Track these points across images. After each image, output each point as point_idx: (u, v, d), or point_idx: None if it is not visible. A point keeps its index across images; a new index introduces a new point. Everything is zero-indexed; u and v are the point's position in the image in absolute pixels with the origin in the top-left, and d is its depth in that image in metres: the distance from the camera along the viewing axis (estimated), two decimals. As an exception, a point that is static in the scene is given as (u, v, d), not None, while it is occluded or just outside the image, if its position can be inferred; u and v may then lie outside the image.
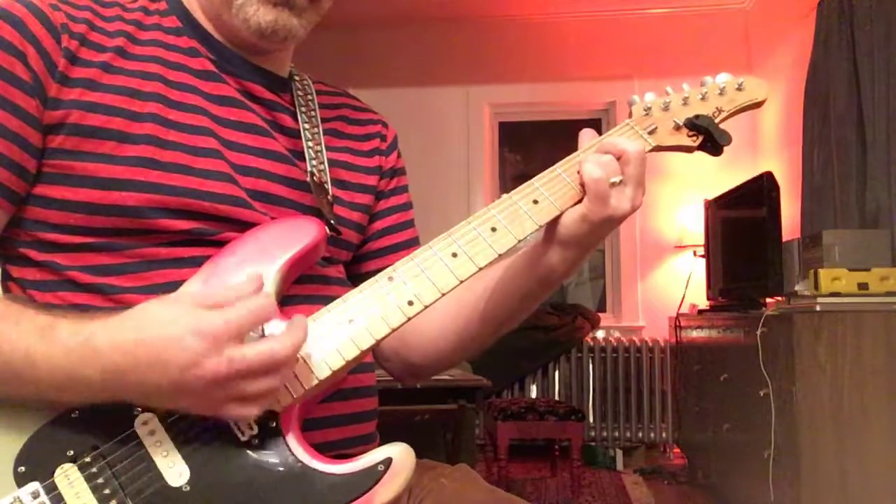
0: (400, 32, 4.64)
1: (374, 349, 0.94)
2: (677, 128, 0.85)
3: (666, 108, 0.85)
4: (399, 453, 0.68)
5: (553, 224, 0.78)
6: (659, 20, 4.48)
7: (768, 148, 4.08)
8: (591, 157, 0.77)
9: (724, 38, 4.36)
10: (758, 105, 0.89)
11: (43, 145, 0.73)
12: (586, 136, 0.82)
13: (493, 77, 4.62)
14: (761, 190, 2.85)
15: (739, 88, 0.88)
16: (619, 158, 0.76)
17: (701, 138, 0.85)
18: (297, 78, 0.94)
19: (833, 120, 3.01)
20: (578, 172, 0.77)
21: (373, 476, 0.66)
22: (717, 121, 0.85)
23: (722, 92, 0.87)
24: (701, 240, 3.83)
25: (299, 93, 0.92)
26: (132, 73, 0.77)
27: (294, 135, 0.88)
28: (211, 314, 0.61)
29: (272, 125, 0.85)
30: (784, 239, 2.79)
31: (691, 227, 4.10)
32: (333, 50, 4.41)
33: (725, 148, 0.85)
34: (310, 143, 0.88)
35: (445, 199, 4.44)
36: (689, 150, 0.86)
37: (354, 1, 4.06)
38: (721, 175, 3.94)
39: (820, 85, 3.14)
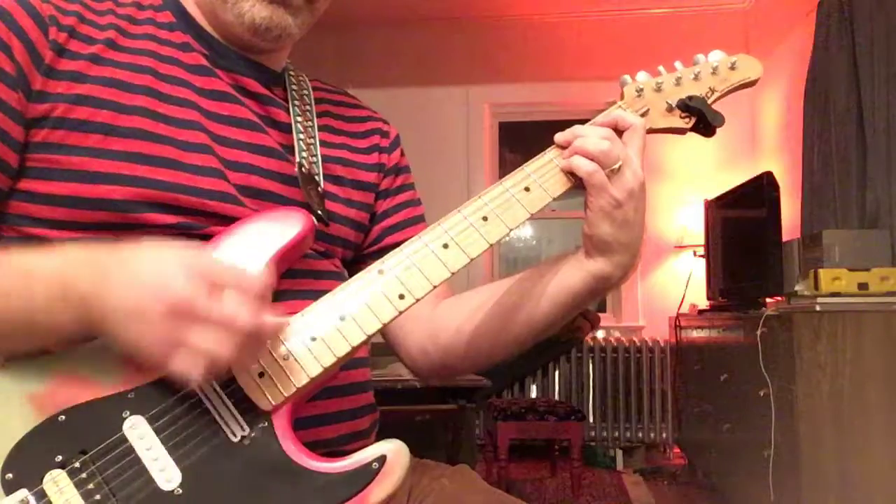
0: (400, 32, 4.63)
1: (398, 349, 0.95)
2: (670, 109, 0.83)
3: (658, 89, 0.84)
4: (393, 450, 0.67)
5: (590, 238, 0.78)
6: (659, 20, 4.48)
7: (768, 148, 4.07)
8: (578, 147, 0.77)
9: (724, 38, 4.35)
10: (751, 84, 0.88)
11: (26, 139, 0.72)
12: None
13: (493, 77, 4.61)
14: (761, 190, 2.85)
15: (732, 67, 0.86)
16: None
17: (694, 120, 0.84)
18: (292, 73, 0.93)
19: (833, 120, 3.01)
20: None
21: (367, 474, 0.65)
22: (710, 101, 0.84)
23: (715, 71, 0.86)
24: (701, 240, 3.82)
25: (294, 87, 0.91)
26: (122, 65, 0.76)
27: (287, 129, 0.87)
28: (205, 258, 0.64)
29: (265, 120, 0.85)
30: (784, 239, 2.78)
31: (691, 227, 4.09)
32: (333, 50, 4.40)
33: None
34: (301, 136, 0.87)
35: (445, 200, 4.38)
36: (681, 132, 0.85)
37: (354, 1, 4.05)
38: (721, 175, 3.93)
39: (820, 85, 3.13)
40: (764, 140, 4.14)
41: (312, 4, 0.84)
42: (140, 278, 0.62)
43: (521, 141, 4.92)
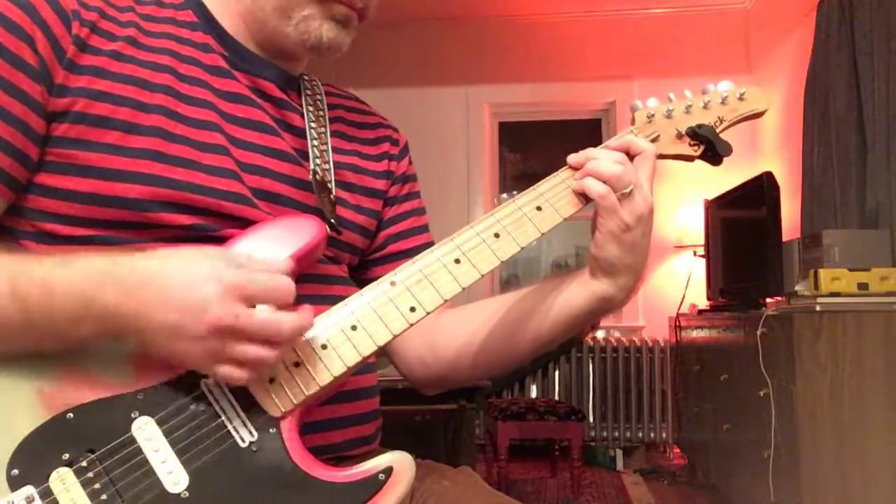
0: (400, 32, 4.63)
1: (395, 357, 0.95)
2: (679, 136, 0.85)
3: (669, 116, 0.85)
4: (400, 462, 0.67)
5: (597, 260, 0.80)
6: (659, 20, 4.48)
7: (768, 148, 4.08)
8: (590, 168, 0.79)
9: (724, 38, 4.36)
10: (758, 115, 0.89)
11: (47, 133, 0.72)
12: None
13: (492, 77, 4.62)
14: (761, 190, 2.86)
15: (741, 98, 0.87)
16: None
17: (702, 148, 0.85)
18: (306, 78, 0.94)
19: (833, 120, 3.01)
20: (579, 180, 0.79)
21: (373, 485, 0.66)
22: (718, 130, 0.85)
23: (724, 101, 0.87)
24: (701, 240, 3.83)
25: (308, 92, 0.92)
26: (143, 63, 0.76)
27: (301, 134, 0.87)
28: (234, 270, 0.64)
29: (280, 124, 0.85)
30: (784, 239, 2.79)
31: (691, 227, 4.10)
32: (333, 50, 4.41)
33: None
34: (315, 143, 0.87)
35: (445, 199, 4.43)
36: (689, 159, 0.86)
37: (354, 1, 4.05)
38: (721, 175, 3.93)
39: (820, 85, 3.14)
40: (764, 140, 4.14)
41: (363, 21, 0.85)
42: (174, 298, 0.63)
43: (521, 141, 4.92)
